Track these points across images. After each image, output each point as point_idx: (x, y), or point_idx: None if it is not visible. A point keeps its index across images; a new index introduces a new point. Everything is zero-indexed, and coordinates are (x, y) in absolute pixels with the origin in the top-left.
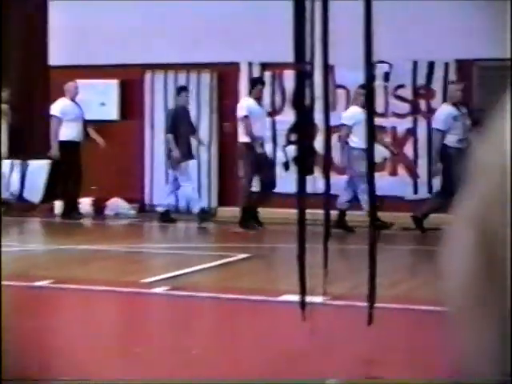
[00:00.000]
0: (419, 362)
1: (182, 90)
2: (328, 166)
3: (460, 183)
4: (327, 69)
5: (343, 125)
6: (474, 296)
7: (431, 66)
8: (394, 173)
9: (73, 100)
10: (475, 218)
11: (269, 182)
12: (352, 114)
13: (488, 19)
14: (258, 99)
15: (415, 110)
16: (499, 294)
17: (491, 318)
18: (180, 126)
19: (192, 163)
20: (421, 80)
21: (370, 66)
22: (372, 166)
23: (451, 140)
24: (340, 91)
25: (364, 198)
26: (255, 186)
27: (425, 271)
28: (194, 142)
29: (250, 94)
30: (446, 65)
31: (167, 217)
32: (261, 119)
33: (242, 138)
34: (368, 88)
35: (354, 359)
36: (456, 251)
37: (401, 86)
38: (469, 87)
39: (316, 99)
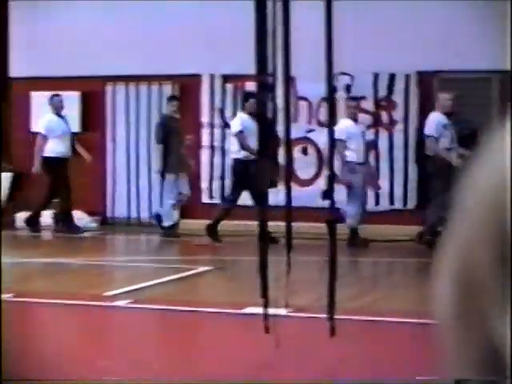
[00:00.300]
0: (381, 373)
1: (170, 99)
2: (289, 178)
3: (447, 196)
4: (289, 81)
5: (338, 140)
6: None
7: (392, 78)
8: None
9: (58, 115)
10: (456, 260)
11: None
12: (345, 128)
13: (448, 31)
14: (251, 114)
15: (377, 122)
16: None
17: (470, 337)
18: (169, 136)
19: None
20: (382, 92)
21: (331, 77)
22: (332, 177)
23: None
24: (302, 103)
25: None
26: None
27: (388, 283)
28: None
29: (244, 108)
30: (407, 77)
31: (172, 231)
32: (254, 135)
33: (235, 154)
34: (330, 100)
35: (317, 371)
36: (441, 282)
37: (362, 98)
38: (431, 99)
39: (278, 111)
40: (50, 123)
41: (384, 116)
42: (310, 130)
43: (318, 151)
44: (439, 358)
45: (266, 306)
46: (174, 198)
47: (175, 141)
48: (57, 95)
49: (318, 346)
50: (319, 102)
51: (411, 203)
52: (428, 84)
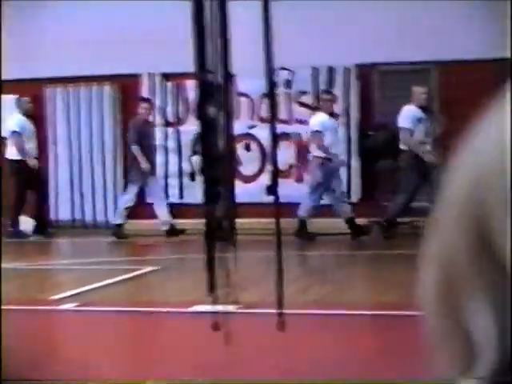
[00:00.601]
0: (331, 366)
1: (142, 100)
2: (232, 175)
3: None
4: (228, 77)
5: (315, 132)
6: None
7: (331, 71)
8: (299, 179)
9: (27, 116)
10: (438, 257)
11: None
12: (321, 121)
13: (386, 23)
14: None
15: None
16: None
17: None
18: (143, 138)
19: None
20: (322, 86)
21: (271, 73)
22: (276, 173)
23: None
24: (243, 99)
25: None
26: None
27: (336, 276)
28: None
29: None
30: (347, 70)
31: (120, 232)
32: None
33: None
34: (270, 95)
35: (268, 367)
36: (424, 276)
37: (303, 93)
38: (371, 91)
39: (220, 108)
40: (20, 122)
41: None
42: (252, 126)
43: (261, 147)
44: (390, 348)
45: (214, 303)
46: (132, 200)
47: (147, 144)
48: (22, 97)
49: (268, 341)
50: (260, 98)
51: (355, 196)
52: (367, 76)
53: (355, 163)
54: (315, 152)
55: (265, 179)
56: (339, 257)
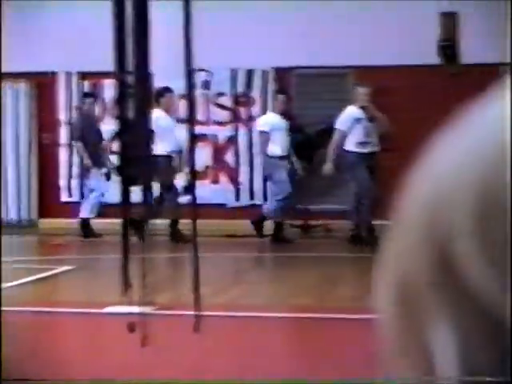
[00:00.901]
0: (247, 366)
1: (86, 96)
2: (150, 176)
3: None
4: (147, 78)
5: (261, 132)
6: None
7: (250, 74)
8: (215, 181)
9: None
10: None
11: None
12: (270, 121)
13: (303, 28)
14: (167, 111)
15: (235, 118)
16: (415, 337)
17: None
18: (87, 134)
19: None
20: (240, 88)
21: (190, 74)
22: (194, 174)
23: (351, 142)
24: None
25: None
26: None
27: (250, 278)
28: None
29: (159, 105)
30: (265, 73)
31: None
32: (171, 132)
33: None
34: (189, 96)
35: (183, 368)
36: (380, 288)
37: (221, 94)
38: (288, 94)
39: (138, 108)
40: None
41: (242, 112)
42: None
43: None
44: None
45: (129, 304)
46: (100, 194)
47: (93, 138)
48: None
49: (184, 343)
50: (178, 99)
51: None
52: (285, 80)
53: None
54: (268, 151)
55: (181, 180)
56: (257, 259)
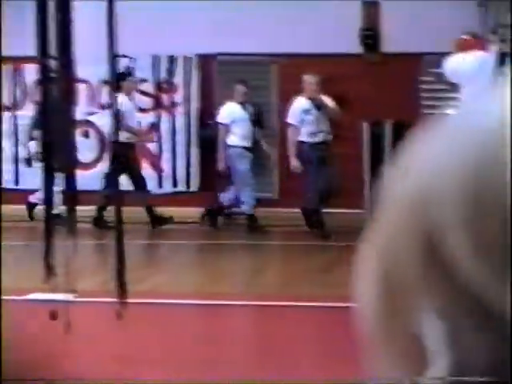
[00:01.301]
0: (166, 354)
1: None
2: (73, 162)
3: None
4: (69, 63)
5: (220, 124)
6: (377, 322)
7: (172, 60)
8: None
9: None
10: (380, 250)
11: (138, 181)
12: (230, 112)
13: (227, 15)
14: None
15: (158, 105)
16: (399, 326)
17: (393, 339)
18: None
19: None
20: (163, 75)
21: (114, 60)
22: (117, 161)
23: (304, 133)
24: (82, 86)
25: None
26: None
27: (174, 265)
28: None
29: (120, 89)
30: (188, 59)
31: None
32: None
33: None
34: (112, 82)
35: (107, 357)
36: (364, 277)
37: (143, 81)
38: (211, 81)
39: (60, 94)
40: None
41: (165, 98)
42: (92, 113)
43: (100, 134)
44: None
45: (51, 291)
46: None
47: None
48: None
49: (106, 330)
50: (99, 85)
51: (194, 186)
52: (208, 66)
53: (194, 152)
54: (230, 142)
55: (103, 166)
56: (178, 246)
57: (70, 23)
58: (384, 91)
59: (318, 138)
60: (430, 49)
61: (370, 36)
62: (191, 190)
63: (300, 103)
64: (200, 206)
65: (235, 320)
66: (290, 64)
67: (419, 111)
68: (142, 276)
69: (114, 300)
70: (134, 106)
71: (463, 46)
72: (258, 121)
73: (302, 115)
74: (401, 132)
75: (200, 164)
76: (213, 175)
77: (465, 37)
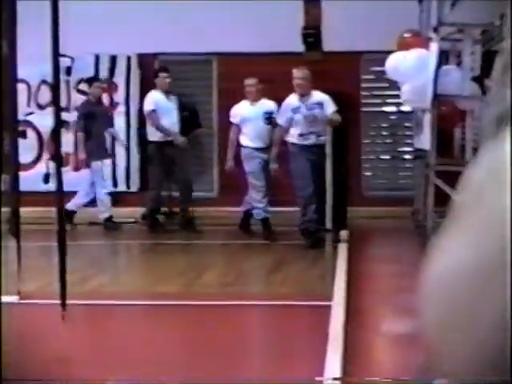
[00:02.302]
0: (112, 355)
1: (92, 80)
2: (14, 163)
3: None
4: (13, 62)
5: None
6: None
7: (113, 59)
8: (77, 168)
9: None
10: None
11: (185, 182)
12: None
13: (167, 14)
14: (167, 92)
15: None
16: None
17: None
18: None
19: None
20: (103, 74)
21: (57, 59)
22: (60, 161)
23: (292, 134)
24: (21, 85)
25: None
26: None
27: (114, 265)
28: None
29: (156, 86)
30: (129, 58)
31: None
32: (170, 114)
33: (152, 136)
34: (55, 82)
35: (49, 359)
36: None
37: (83, 80)
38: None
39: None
40: None
41: (105, 98)
42: (30, 113)
43: (39, 135)
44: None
45: None
46: (105, 185)
47: (96, 126)
48: None
49: (50, 332)
50: (39, 85)
51: (134, 186)
52: (149, 66)
53: (134, 152)
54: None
55: (42, 167)
56: (116, 246)
57: (14, 22)
58: (325, 89)
59: (308, 141)
60: (372, 47)
61: (312, 34)
62: (131, 190)
63: (289, 101)
64: (140, 206)
65: (178, 319)
66: (230, 63)
67: (360, 109)
68: (85, 277)
69: (57, 302)
70: (172, 105)
71: (404, 44)
72: (191, 118)
73: (290, 114)
74: (341, 130)
75: (140, 164)
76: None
77: (406, 35)
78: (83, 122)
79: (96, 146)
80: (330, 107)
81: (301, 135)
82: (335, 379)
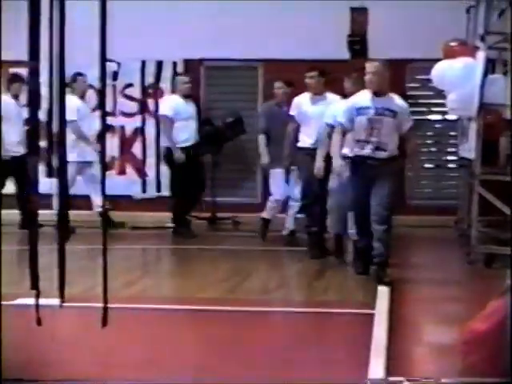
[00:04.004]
0: (158, 359)
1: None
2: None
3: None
4: (61, 67)
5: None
6: None
7: (159, 65)
8: (122, 172)
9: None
10: None
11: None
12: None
13: (213, 20)
14: (186, 96)
15: (144, 109)
16: None
17: None
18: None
19: None
20: (149, 79)
21: (104, 65)
22: (104, 165)
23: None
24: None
25: None
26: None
27: (158, 270)
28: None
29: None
30: (174, 64)
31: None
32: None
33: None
34: (102, 87)
35: (90, 362)
36: None
37: (129, 85)
38: (197, 85)
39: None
40: None
41: (151, 103)
42: None
43: None
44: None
45: (37, 296)
46: (282, 194)
47: (278, 131)
48: None
49: (91, 336)
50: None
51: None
52: (195, 71)
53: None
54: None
55: None
56: (160, 250)
57: (63, 26)
58: None
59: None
60: (417, 55)
61: (358, 42)
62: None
63: (359, 97)
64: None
65: (221, 325)
66: (275, 69)
67: None
68: (128, 281)
69: (100, 305)
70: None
71: (451, 53)
72: (235, 124)
73: (353, 113)
74: None
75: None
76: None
77: (452, 43)
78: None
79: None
80: (407, 120)
81: (357, 141)
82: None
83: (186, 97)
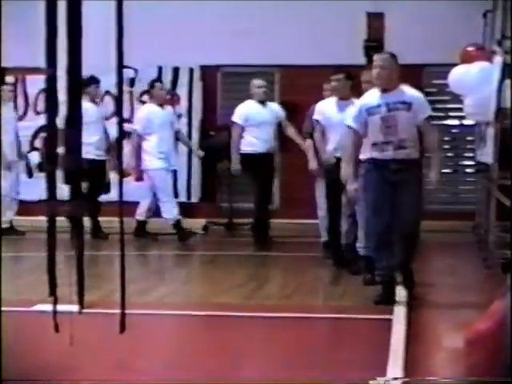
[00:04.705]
0: (171, 365)
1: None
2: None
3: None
4: (78, 73)
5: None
6: None
7: (176, 71)
8: (139, 178)
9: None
10: None
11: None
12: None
13: (230, 26)
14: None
15: None
16: None
17: None
18: None
19: None
20: (167, 86)
21: (121, 71)
22: (121, 171)
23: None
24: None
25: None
26: None
27: (176, 276)
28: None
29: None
30: (191, 70)
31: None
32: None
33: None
34: (118, 93)
35: (109, 367)
36: None
37: (146, 92)
38: (214, 91)
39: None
40: None
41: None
42: None
43: None
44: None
45: (55, 303)
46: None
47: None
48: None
49: (110, 342)
50: (102, 96)
51: (195, 197)
52: (211, 77)
53: (196, 164)
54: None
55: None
56: (179, 257)
57: (80, 33)
58: None
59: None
60: (434, 60)
61: (374, 47)
62: (192, 201)
63: (367, 97)
64: (200, 217)
65: (237, 331)
66: (292, 75)
67: None
68: (145, 287)
69: (117, 311)
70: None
71: (468, 57)
72: None
73: (365, 116)
74: None
75: (201, 175)
76: (214, 186)
77: (469, 48)
78: None
79: None
80: (423, 111)
81: (374, 144)
82: (395, 379)
83: (260, 102)
